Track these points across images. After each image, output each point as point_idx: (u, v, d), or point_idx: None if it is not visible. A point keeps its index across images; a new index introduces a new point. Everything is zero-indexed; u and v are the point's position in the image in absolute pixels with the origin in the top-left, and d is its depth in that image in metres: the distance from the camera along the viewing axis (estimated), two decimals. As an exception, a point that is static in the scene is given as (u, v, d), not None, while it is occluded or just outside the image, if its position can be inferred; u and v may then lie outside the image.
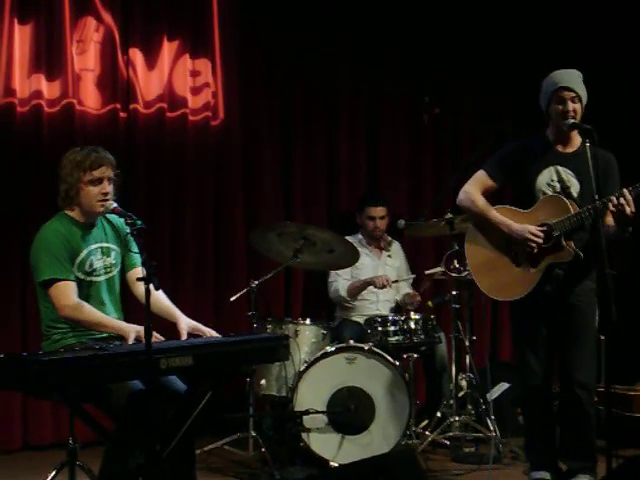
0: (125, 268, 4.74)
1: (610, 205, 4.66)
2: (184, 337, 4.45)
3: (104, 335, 4.44)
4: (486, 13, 7.81)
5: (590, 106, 4.98)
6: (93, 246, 4.57)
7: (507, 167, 5.11)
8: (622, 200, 4.63)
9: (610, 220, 4.83)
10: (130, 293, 4.77)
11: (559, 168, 4.97)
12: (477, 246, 5.19)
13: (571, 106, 4.87)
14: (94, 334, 4.45)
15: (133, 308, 4.81)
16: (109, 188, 4.50)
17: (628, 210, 4.63)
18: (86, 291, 4.52)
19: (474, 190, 5.14)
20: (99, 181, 4.48)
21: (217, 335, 4.54)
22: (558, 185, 4.96)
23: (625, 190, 4.66)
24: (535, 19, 7.80)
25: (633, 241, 5.03)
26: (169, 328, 4.53)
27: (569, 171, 4.96)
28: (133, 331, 4.31)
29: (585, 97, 4.93)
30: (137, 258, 4.58)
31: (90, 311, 4.42)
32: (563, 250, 4.88)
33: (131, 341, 4.26)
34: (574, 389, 4.95)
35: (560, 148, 5.02)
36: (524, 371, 5.09)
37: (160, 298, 4.53)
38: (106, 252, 4.63)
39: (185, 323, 4.52)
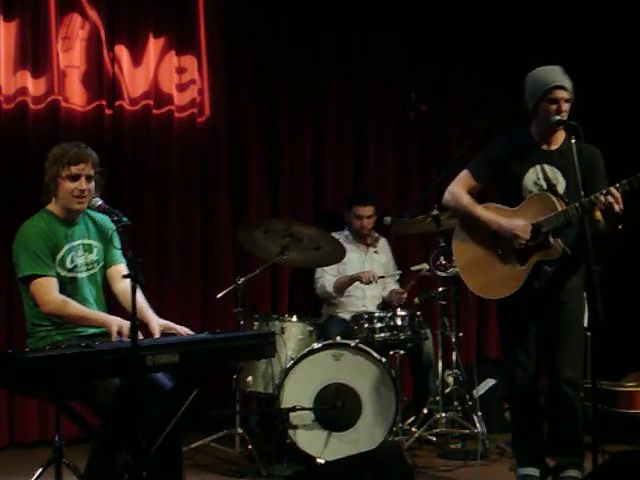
0: (105, 264, 4.72)
1: (598, 203, 4.65)
2: (156, 336, 4.45)
3: (89, 332, 4.44)
4: (475, 10, 7.82)
5: (577, 100, 4.98)
6: (75, 243, 4.56)
7: (492, 166, 5.10)
8: (610, 198, 4.62)
9: (600, 215, 4.82)
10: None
11: (545, 166, 4.95)
12: (464, 246, 5.18)
13: (564, 106, 4.85)
14: (79, 331, 4.45)
15: (118, 305, 4.78)
16: (86, 185, 4.48)
17: (617, 208, 4.61)
18: (69, 288, 4.51)
19: (459, 190, 5.13)
20: (76, 177, 4.47)
21: (191, 333, 4.54)
22: (544, 184, 4.94)
23: (612, 188, 4.65)
24: (523, 16, 7.82)
25: (618, 237, 5.02)
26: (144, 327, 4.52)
27: (555, 169, 4.94)
28: (115, 324, 4.31)
29: (573, 97, 4.93)
30: (118, 255, 4.62)
31: (73, 306, 4.42)
32: (551, 247, 4.87)
33: (114, 334, 4.26)
34: (561, 385, 4.95)
35: (545, 146, 5.00)
36: (513, 368, 5.07)
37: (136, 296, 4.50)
38: (88, 249, 4.62)
39: (157, 323, 4.52)
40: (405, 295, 6.71)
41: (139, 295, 4.48)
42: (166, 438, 4.25)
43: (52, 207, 4.58)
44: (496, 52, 7.91)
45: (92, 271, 4.64)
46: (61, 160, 4.48)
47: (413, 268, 6.57)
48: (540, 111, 4.93)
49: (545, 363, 5.10)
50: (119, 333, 4.27)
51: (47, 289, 4.41)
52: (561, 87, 4.86)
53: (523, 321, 5.05)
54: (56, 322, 4.45)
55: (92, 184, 4.52)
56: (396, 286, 6.95)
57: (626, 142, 7.28)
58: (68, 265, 4.53)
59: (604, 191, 4.64)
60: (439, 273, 6.25)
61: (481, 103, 8.05)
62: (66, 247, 4.53)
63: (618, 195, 4.61)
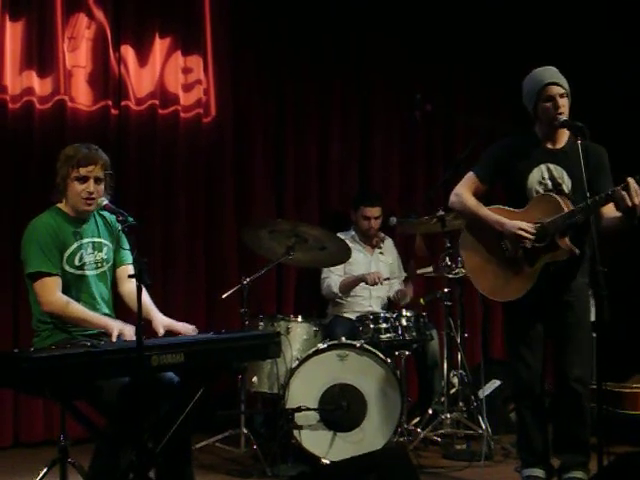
0: (115, 264, 4.73)
1: (619, 196, 4.59)
2: (160, 334, 4.47)
3: (95, 332, 4.44)
4: (475, 10, 7.84)
5: (576, 100, 4.98)
6: (84, 240, 4.56)
7: (497, 167, 5.09)
8: (631, 190, 4.56)
9: (608, 212, 4.80)
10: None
11: (550, 165, 4.95)
12: (472, 249, 5.18)
13: (561, 102, 4.86)
14: (85, 330, 4.44)
15: (124, 305, 4.79)
16: (94, 187, 4.49)
17: (637, 200, 4.53)
18: (76, 285, 4.51)
19: (465, 192, 5.13)
20: (85, 179, 4.48)
21: (192, 327, 4.54)
22: (549, 183, 4.94)
23: (631, 180, 4.55)
24: (523, 16, 7.83)
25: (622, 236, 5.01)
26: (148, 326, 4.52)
27: (560, 168, 4.93)
28: (117, 328, 4.31)
29: (569, 91, 4.93)
30: (127, 255, 4.61)
31: (74, 307, 4.42)
32: (559, 249, 4.85)
33: (114, 337, 4.26)
34: (571, 384, 4.93)
35: (549, 145, 4.99)
36: (519, 368, 5.07)
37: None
38: (98, 247, 4.62)
39: (161, 322, 4.53)
40: (411, 293, 6.71)
41: (144, 294, 4.48)
42: (175, 438, 4.26)
43: (62, 205, 4.59)
44: (496, 52, 7.92)
45: (101, 269, 4.64)
46: (71, 161, 4.49)
47: (419, 271, 6.57)
48: (539, 111, 4.94)
49: (552, 364, 5.10)
50: (120, 337, 4.27)
51: (50, 289, 4.41)
52: (553, 83, 4.87)
53: (529, 321, 5.04)
54: (61, 320, 4.45)
55: (101, 186, 4.53)
56: (401, 286, 6.94)
57: (626, 142, 7.27)
58: (76, 262, 4.52)
59: (622, 184, 4.60)
60: (446, 274, 6.25)
61: (482, 103, 8.06)
62: (75, 245, 4.53)
63: (637, 187, 4.57)
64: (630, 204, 4.56)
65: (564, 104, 4.86)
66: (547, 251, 4.89)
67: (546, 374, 5.15)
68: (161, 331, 4.47)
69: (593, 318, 5.22)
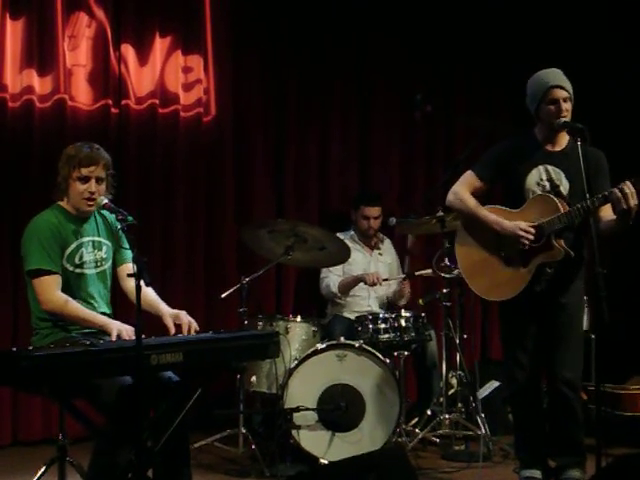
0: (115, 263, 4.74)
1: (615, 198, 4.59)
2: (172, 331, 4.46)
3: (94, 330, 4.44)
4: (475, 10, 7.85)
5: (576, 100, 4.98)
6: (85, 239, 4.57)
7: (496, 167, 5.10)
8: (627, 192, 4.57)
9: (605, 215, 4.81)
10: (120, 288, 4.77)
11: (548, 167, 4.96)
12: (467, 247, 5.19)
13: (564, 106, 4.85)
14: (84, 329, 4.44)
15: (123, 304, 4.79)
16: (96, 187, 4.49)
17: (632, 202, 4.54)
18: (75, 283, 4.52)
19: (463, 190, 5.13)
20: (86, 179, 4.49)
21: (190, 320, 4.53)
22: (548, 184, 4.94)
23: (628, 182, 4.57)
24: (524, 16, 7.83)
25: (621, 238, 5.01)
26: (156, 324, 4.52)
27: (559, 170, 4.94)
28: (116, 328, 4.31)
29: (572, 95, 4.93)
30: (128, 254, 4.60)
31: (73, 306, 4.42)
32: (553, 249, 4.86)
33: (114, 337, 4.26)
34: (560, 386, 4.96)
35: (549, 147, 5.00)
36: (513, 369, 5.09)
37: (147, 292, 4.48)
38: (98, 246, 4.63)
39: (169, 316, 4.52)
40: (408, 289, 6.70)
41: (150, 290, 4.50)
42: (173, 437, 4.26)
43: (63, 204, 4.60)
44: (497, 52, 7.92)
45: (100, 268, 4.64)
46: (72, 161, 4.49)
47: (417, 273, 6.56)
48: (542, 113, 4.94)
49: (545, 364, 5.11)
50: (119, 337, 4.27)
51: (50, 287, 4.41)
52: (558, 86, 4.87)
53: (524, 322, 5.06)
54: (59, 319, 4.45)
55: (102, 186, 4.54)
56: (399, 286, 6.93)
57: (626, 142, 7.27)
58: (76, 261, 4.53)
59: (619, 187, 4.60)
60: (443, 275, 6.25)
61: (483, 104, 8.07)
62: (75, 243, 4.54)
63: (634, 190, 4.57)
64: (625, 206, 4.57)
65: (567, 108, 4.87)
66: (542, 251, 4.90)
67: (543, 375, 5.16)
68: (172, 328, 4.46)
69: (586, 327, 5.22)
